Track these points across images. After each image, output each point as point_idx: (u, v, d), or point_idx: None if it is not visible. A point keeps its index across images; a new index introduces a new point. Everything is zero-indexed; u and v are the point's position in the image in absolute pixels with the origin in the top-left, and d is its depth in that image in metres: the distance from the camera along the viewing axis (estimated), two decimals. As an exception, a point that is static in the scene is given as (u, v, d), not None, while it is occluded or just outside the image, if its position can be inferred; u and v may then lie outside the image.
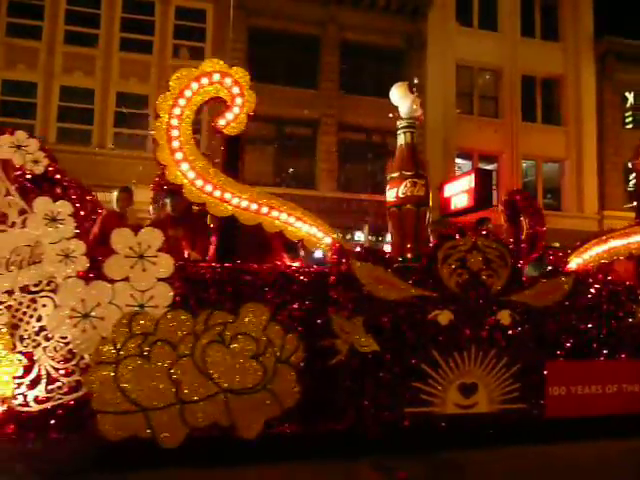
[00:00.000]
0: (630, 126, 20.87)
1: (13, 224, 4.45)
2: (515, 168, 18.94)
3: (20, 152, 4.57)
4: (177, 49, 17.04)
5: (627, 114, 21.05)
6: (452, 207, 17.14)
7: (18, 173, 4.54)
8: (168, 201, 5.84)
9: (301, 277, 4.97)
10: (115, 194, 5.89)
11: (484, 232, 5.56)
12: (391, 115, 6.93)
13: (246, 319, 4.65)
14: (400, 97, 6.62)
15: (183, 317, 4.50)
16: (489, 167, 18.39)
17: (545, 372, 5.48)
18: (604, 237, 6.38)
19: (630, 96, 20.95)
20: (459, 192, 16.76)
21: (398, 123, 6.58)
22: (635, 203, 7.29)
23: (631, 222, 6.57)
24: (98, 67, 16.41)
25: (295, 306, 4.88)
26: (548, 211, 18.99)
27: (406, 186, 6.22)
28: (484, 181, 16.39)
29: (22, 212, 4.47)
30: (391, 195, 6.31)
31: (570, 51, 20.02)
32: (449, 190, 17.33)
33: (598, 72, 20.08)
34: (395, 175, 6.37)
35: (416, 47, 18.31)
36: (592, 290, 5.81)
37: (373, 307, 5.10)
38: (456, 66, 18.87)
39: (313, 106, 17.49)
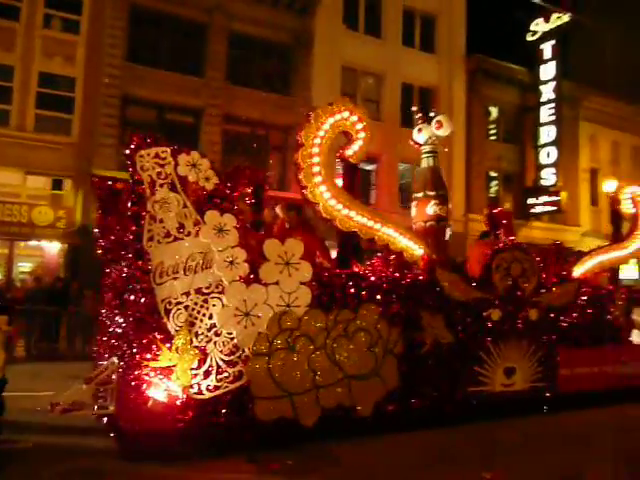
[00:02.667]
0: (493, 138, 22.89)
1: (189, 233, 4.99)
2: (393, 170, 19.92)
3: (195, 170, 5.08)
4: (49, 19, 15.67)
5: (490, 127, 23.05)
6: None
7: (193, 188, 5.04)
8: (291, 214, 6.62)
9: (402, 282, 6.14)
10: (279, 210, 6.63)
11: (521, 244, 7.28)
12: (411, 142, 7.94)
13: (364, 316, 5.73)
14: (417, 131, 7.75)
15: (319, 315, 5.46)
16: (369, 167, 19.13)
17: (558, 358, 7.23)
18: (593, 253, 8.34)
19: (494, 110, 22.97)
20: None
21: (422, 148, 7.66)
22: (612, 228, 9.37)
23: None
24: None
25: (397, 306, 6.00)
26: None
27: (431, 206, 7.23)
28: (350, 177, 16.97)
29: (196, 223, 5.02)
30: (415, 212, 7.37)
31: (444, 64, 21.46)
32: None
33: (468, 86, 21.74)
34: (420, 195, 7.40)
35: (303, 45, 18.53)
36: (588, 293, 7.74)
37: (450, 306, 6.39)
38: (341, 67, 19.38)
39: (198, 94, 17.01)
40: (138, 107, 16.77)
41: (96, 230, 6.12)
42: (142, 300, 4.82)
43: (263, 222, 6.28)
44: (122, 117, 16.02)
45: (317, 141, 5.82)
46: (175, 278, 4.91)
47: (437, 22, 21.64)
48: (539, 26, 22.24)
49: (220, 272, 5.05)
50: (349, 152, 6.18)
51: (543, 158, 21.90)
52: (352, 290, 5.72)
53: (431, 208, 7.22)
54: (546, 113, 21.81)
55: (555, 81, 21.76)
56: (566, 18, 21.53)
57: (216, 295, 5.03)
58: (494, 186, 22.92)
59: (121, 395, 4.90)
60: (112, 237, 5.58)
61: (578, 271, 7.91)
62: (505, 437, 5.89)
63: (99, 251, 5.96)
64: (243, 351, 5.09)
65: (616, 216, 9.29)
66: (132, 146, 4.98)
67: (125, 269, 5.05)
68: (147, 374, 4.74)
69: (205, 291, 5.00)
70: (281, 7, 18.18)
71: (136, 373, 4.76)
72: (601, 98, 25.21)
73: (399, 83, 20.41)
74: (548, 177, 21.75)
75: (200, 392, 4.92)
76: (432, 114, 7.73)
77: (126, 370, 4.85)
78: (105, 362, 5.49)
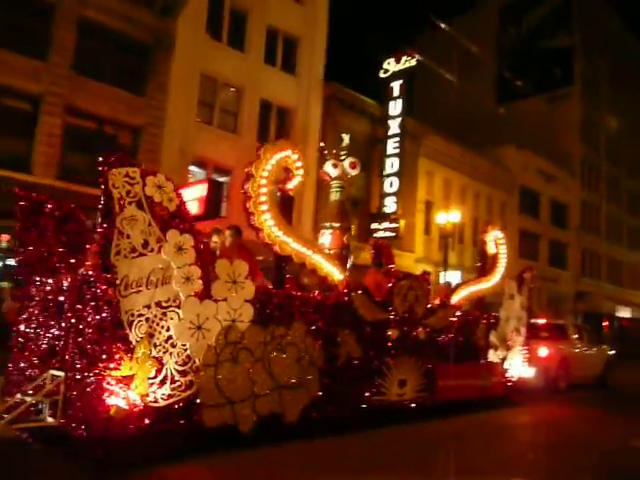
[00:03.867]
0: (343, 163, 24.03)
1: (152, 250, 5.24)
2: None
3: (160, 191, 5.34)
4: None
5: (342, 153, 24.14)
6: (182, 214, 16.99)
7: (155, 206, 5.31)
8: (231, 238, 7.21)
9: (323, 303, 6.89)
10: (228, 232, 7.23)
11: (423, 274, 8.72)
12: (322, 172, 9.04)
13: (294, 332, 6.41)
14: (333, 166, 8.93)
15: (259, 330, 6.02)
16: (222, 179, 18.86)
17: (436, 371, 8.43)
18: (464, 285, 10.13)
19: (346, 138, 24.11)
20: (191, 199, 16.72)
21: (332, 182, 8.86)
22: (479, 263, 10.82)
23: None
24: None
25: (320, 323, 6.76)
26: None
27: (333, 235, 8.40)
28: (216, 191, 16.72)
29: (159, 240, 5.28)
30: (322, 240, 8.34)
31: (303, 87, 22.10)
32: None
33: (324, 111, 22.62)
34: (327, 224, 8.53)
35: (163, 46, 17.83)
36: (460, 317, 9.21)
37: (360, 325, 7.29)
38: (201, 75, 18.98)
39: (38, 80, 15.43)
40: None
41: (16, 242, 6.36)
42: (106, 312, 5.00)
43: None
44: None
45: (265, 174, 6.58)
46: (138, 291, 5.18)
47: (299, 45, 22.26)
48: (390, 65, 23.99)
49: (178, 287, 5.41)
50: (290, 186, 7.11)
51: (387, 187, 23.51)
52: (286, 308, 6.41)
53: (326, 237, 8.40)
54: (392, 146, 23.51)
55: (401, 117, 23.56)
56: (414, 62, 23.49)
57: (174, 309, 5.37)
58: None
59: (81, 404, 5.00)
60: (32, 250, 6.13)
61: (455, 299, 9.34)
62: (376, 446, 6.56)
63: (18, 264, 6.27)
64: (194, 362, 5.47)
65: (482, 254, 10.80)
66: (105, 164, 5.18)
67: (90, 282, 5.13)
68: (108, 383, 4.92)
69: (164, 304, 5.31)
70: (141, 3, 17.33)
71: (97, 382, 4.91)
72: (438, 138, 27.89)
73: (258, 99, 20.54)
74: (390, 205, 23.38)
75: (156, 400, 5.21)
76: (343, 153, 9.36)
77: (86, 380, 4.97)
78: (34, 374, 5.63)
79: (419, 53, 24.65)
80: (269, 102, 21.03)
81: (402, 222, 23.13)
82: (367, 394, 7.30)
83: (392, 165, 23.44)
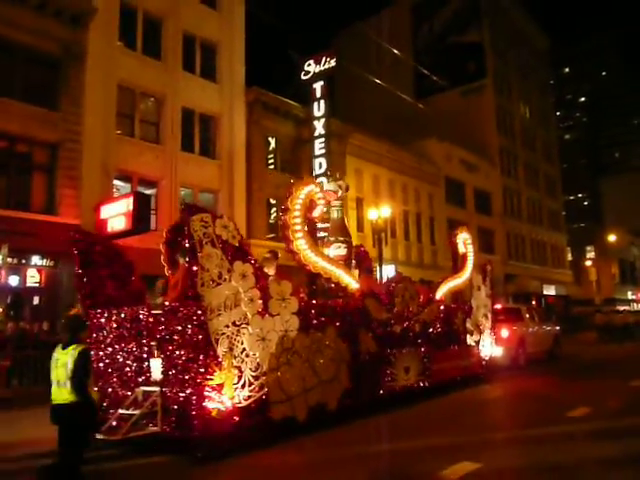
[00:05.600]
0: (272, 167, 24.06)
1: (225, 279, 6.36)
2: (174, 195, 19.49)
3: (226, 230, 6.54)
4: None
5: (270, 156, 24.21)
6: (109, 229, 16.43)
7: (223, 243, 6.45)
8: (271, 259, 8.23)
9: (346, 309, 8.43)
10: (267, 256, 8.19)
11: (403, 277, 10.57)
12: (327, 191, 10.29)
13: (328, 335, 7.88)
14: (339, 186, 10.82)
15: (303, 337, 7.38)
16: (149, 191, 18.40)
17: (430, 357, 10.11)
18: (443, 282, 11.64)
19: (272, 141, 24.20)
20: (117, 214, 16.22)
21: (333, 202, 10.55)
22: (452, 263, 12.50)
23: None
24: None
25: (345, 326, 8.26)
26: (203, 238, 20.14)
27: (340, 248, 10.21)
28: (143, 205, 16.30)
29: (228, 271, 6.41)
30: (332, 252, 9.85)
31: (225, 93, 21.92)
32: (106, 212, 16.58)
33: (248, 116, 22.55)
34: (332, 239, 10.43)
35: (75, 57, 17.16)
36: (444, 310, 11.06)
37: (374, 324, 8.90)
38: (118, 86, 18.43)
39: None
40: None
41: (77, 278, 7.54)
42: (200, 333, 6.14)
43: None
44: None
45: (297, 207, 8.00)
46: (219, 314, 6.35)
47: (218, 51, 22.06)
48: (311, 67, 24.20)
49: (245, 308, 6.64)
50: (314, 214, 8.61)
51: (316, 187, 23.72)
52: (321, 317, 7.83)
53: (340, 250, 10.12)
54: (318, 147, 23.73)
55: (325, 118, 23.83)
56: (333, 63, 23.81)
57: (245, 326, 6.61)
58: (274, 212, 24.02)
59: (184, 411, 6.11)
60: (89, 284, 7.33)
61: (438, 295, 11.21)
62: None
63: (81, 298, 7.50)
64: (262, 367, 6.75)
65: (455, 254, 12.48)
66: (186, 213, 6.43)
67: (182, 309, 6.30)
68: (207, 391, 6.11)
69: (237, 323, 6.53)
70: (48, 14, 16.60)
71: (198, 391, 6.09)
72: (363, 136, 28.45)
73: (180, 107, 20.18)
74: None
75: (239, 401, 6.47)
76: (338, 176, 11.58)
77: (186, 391, 6.12)
78: (129, 392, 6.67)
79: (339, 53, 25.03)
80: (191, 110, 20.71)
81: (335, 221, 23.41)
82: (383, 382, 8.90)
83: (320, 165, 23.67)
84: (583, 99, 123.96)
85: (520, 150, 46.15)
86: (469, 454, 6.01)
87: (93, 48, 17.57)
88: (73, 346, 4.76)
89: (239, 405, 6.40)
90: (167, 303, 6.77)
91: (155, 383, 6.46)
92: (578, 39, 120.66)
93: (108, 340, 7.05)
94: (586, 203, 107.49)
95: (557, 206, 52.91)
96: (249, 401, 6.53)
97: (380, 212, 23.21)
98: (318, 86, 23.98)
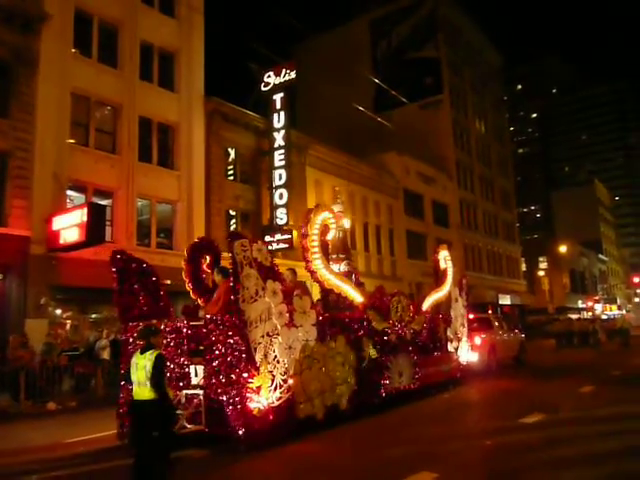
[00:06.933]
0: (231, 178, 23.87)
1: (260, 296, 7.43)
2: (130, 205, 19.05)
3: (260, 253, 7.59)
4: None
5: (229, 167, 24.02)
6: (61, 241, 15.95)
7: (258, 265, 7.52)
8: (292, 277, 9.38)
9: (353, 320, 9.66)
10: (288, 273, 9.18)
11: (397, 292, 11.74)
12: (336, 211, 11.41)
13: (339, 344, 8.96)
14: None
15: (320, 345, 8.45)
16: (104, 202, 17.94)
17: (418, 362, 11.21)
18: (428, 295, 12.94)
19: (232, 152, 24.03)
20: (70, 226, 15.76)
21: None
22: (434, 277, 13.78)
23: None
24: None
25: (352, 335, 9.40)
26: (161, 249, 19.75)
27: (343, 265, 11.50)
28: (97, 216, 15.89)
29: (263, 288, 7.46)
30: (334, 268, 10.39)
31: (184, 103, 21.65)
32: (59, 223, 16.10)
33: (207, 127, 22.33)
34: (334, 256, 11.33)
35: (26, 63, 16.62)
36: (429, 319, 12.24)
37: (374, 333, 10.06)
38: (72, 94, 17.95)
39: None
40: None
41: (115, 294, 8.23)
42: (243, 343, 7.12)
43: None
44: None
45: (315, 232, 9.27)
46: (256, 327, 7.30)
47: (176, 60, 21.81)
48: (271, 78, 24.23)
49: (276, 321, 7.60)
50: (328, 237, 9.75)
51: (277, 199, 23.66)
52: (333, 327, 8.92)
53: (343, 266, 11.42)
54: (278, 158, 23.72)
55: (285, 129, 23.86)
56: (293, 75, 23.92)
57: (276, 336, 7.55)
58: (233, 224, 23.80)
59: (228, 411, 6.98)
60: (125, 299, 8.19)
61: (424, 306, 12.46)
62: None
63: (120, 312, 8.34)
64: (289, 372, 7.69)
65: (436, 269, 13.75)
66: (230, 239, 7.48)
67: (227, 322, 7.23)
68: (248, 392, 7.05)
69: (270, 334, 7.47)
70: (-2, 19, 16.07)
71: (241, 393, 6.99)
72: (323, 147, 28.61)
73: (137, 116, 19.80)
74: (281, 217, 23.55)
75: (273, 402, 7.37)
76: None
77: (231, 392, 7.01)
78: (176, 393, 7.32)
79: (299, 65, 25.14)
80: (149, 119, 20.36)
81: (295, 233, 23.36)
82: (382, 384, 9.94)
83: (280, 177, 23.65)
84: (535, 115, 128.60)
85: (476, 164, 47.36)
86: (429, 464, 6.09)
87: (46, 55, 17.08)
88: (150, 351, 5.52)
89: (272, 405, 7.32)
90: (208, 316, 7.60)
91: (197, 386, 7.40)
92: (530, 57, 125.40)
93: None
94: (539, 215, 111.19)
95: (512, 218, 54.44)
96: (280, 401, 7.46)
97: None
98: (278, 98, 24.01)
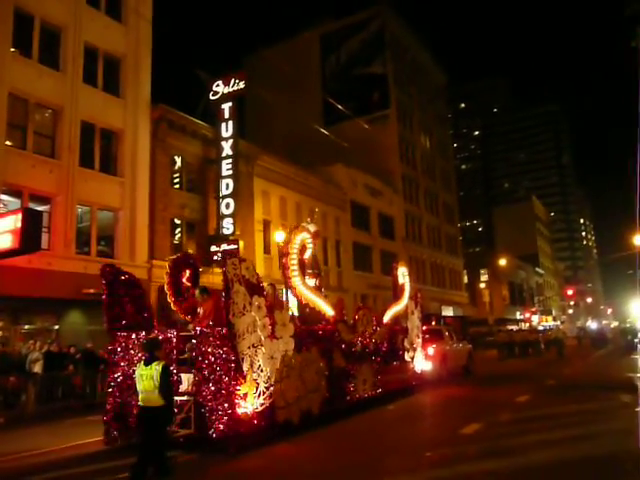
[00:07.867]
0: (177, 186, 23.46)
1: (247, 310, 8.12)
2: (70, 212, 18.38)
3: (248, 270, 8.34)
4: None
5: (175, 175, 23.61)
6: (-7, 248, 15.16)
7: (246, 282, 8.21)
8: (272, 292, 10.08)
9: (325, 332, 10.52)
10: (269, 288, 9.78)
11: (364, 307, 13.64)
12: (313, 231, 11.84)
13: (313, 354, 9.73)
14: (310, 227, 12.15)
15: (296, 355, 9.13)
16: (41, 208, 17.21)
17: (379, 370, 12.09)
18: (388, 308, 14.00)
19: (178, 160, 23.64)
20: (2, 232, 15.00)
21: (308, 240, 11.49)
22: (393, 291, 14.77)
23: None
24: None
25: (324, 346, 10.14)
26: (101, 258, 19.11)
27: (313, 280, 11.67)
28: (33, 222, 15.20)
29: (250, 303, 8.19)
30: (310, 282, 11.13)
31: (129, 109, 21.16)
32: (-9, 229, 15.30)
33: (153, 134, 21.90)
34: (310, 271, 11.60)
35: (-40, 62, 15.86)
36: (389, 331, 13.17)
37: (342, 344, 10.83)
38: (9, 94, 17.22)
39: None
40: None
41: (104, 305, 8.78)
42: (232, 354, 7.71)
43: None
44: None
45: (294, 250, 10.26)
46: (244, 338, 7.92)
47: (122, 65, 21.33)
48: (220, 87, 24.06)
49: (260, 333, 8.23)
50: (305, 256, 10.86)
51: (223, 209, 23.41)
52: (309, 339, 9.62)
53: (313, 280, 11.58)
54: (225, 167, 23.52)
55: (233, 139, 23.72)
56: (242, 85, 23.85)
57: (260, 347, 8.18)
58: (178, 233, 23.36)
59: (217, 415, 7.56)
60: (117, 312, 8.81)
61: (385, 319, 13.35)
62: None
63: (107, 323, 8.85)
64: (270, 380, 8.30)
65: (395, 284, 14.62)
66: (224, 257, 8.37)
67: (217, 334, 7.86)
68: (237, 398, 7.62)
69: (255, 345, 8.11)
70: None
71: (230, 399, 7.57)
72: (270, 158, 28.60)
73: (79, 121, 19.19)
74: (227, 226, 23.30)
75: (257, 407, 7.99)
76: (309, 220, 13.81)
77: (220, 398, 7.60)
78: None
79: (248, 76, 25.09)
80: (92, 124, 19.77)
81: (241, 243, 23.19)
82: (348, 392, 10.71)
83: (227, 186, 23.45)
84: (477, 133, 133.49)
85: (421, 178, 48.55)
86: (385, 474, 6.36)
87: (-18, 53, 16.33)
88: (155, 363, 6.16)
89: (257, 410, 7.94)
90: (199, 329, 8.13)
91: (184, 393, 7.99)
92: (473, 78, 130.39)
93: (135, 359, 8.34)
94: (480, 229, 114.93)
95: (455, 231, 56.02)
96: (263, 407, 8.07)
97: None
98: (227, 107, 23.87)
